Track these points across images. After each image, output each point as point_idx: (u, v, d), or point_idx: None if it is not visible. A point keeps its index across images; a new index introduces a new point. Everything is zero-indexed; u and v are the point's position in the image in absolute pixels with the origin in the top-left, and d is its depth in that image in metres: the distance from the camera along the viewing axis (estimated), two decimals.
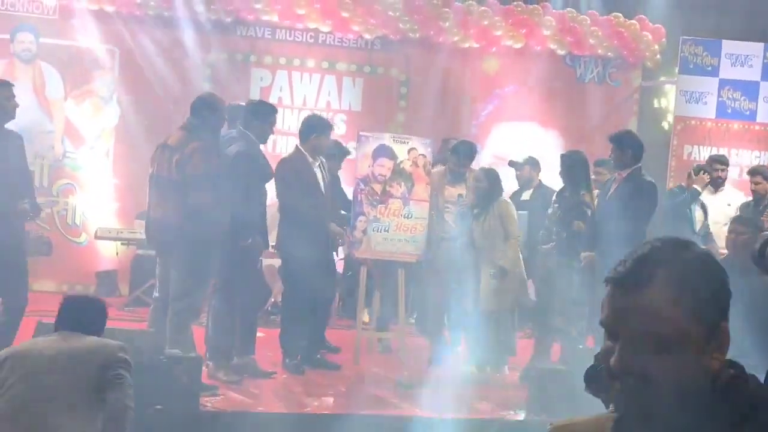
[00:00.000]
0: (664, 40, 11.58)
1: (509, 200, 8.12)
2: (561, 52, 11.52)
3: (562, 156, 7.98)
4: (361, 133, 8.36)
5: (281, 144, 10.59)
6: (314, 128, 7.74)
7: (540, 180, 9.17)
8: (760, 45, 10.99)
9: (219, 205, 6.72)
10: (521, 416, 6.78)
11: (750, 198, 8.76)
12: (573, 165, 7.66)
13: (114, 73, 10.57)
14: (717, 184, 8.97)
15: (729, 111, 10.96)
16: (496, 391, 7.45)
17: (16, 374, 4.26)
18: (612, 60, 11.69)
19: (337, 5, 10.77)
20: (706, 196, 8.85)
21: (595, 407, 2.14)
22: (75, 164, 10.53)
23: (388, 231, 7.98)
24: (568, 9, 11.49)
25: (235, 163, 6.99)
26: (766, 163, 10.38)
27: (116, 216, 10.52)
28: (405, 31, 11.03)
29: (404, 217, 7.99)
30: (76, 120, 10.53)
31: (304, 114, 9.13)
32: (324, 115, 9.45)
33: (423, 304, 8.73)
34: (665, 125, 11.76)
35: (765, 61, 10.92)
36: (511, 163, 9.30)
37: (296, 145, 7.89)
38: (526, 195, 9.08)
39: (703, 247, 1.97)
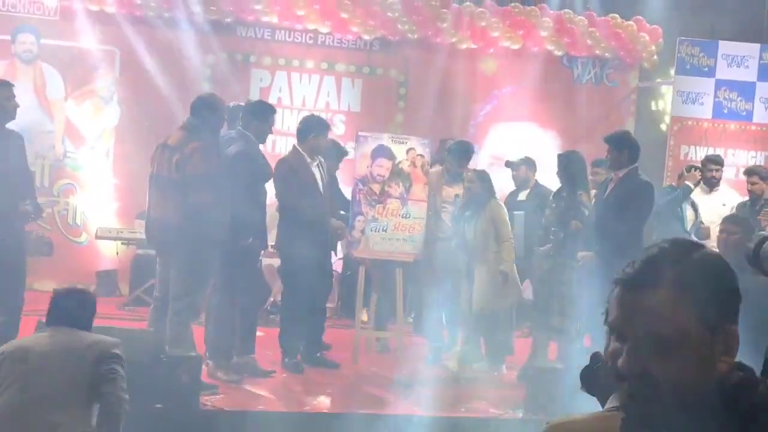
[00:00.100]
0: (661, 40, 11.63)
1: (501, 203, 8.11)
2: (558, 53, 11.57)
3: (559, 156, 8.01)
4: (359, 133, 8.39)
5: (281, 144, 10.63)
6: (312, 128, 7.77)
7: (536, 180, 9.21)
8: (756, 46, 11.04)
9: (219, 204, 6.73)
10: (519, 415, 6.80)
11: (746, 198, 8.80)
12: (570, 165, 7.68)
13: (114, 73, 10.61)
14: (711, 184, 9.00)
15: (725, 111, 11.00)
16: (493, 390, 7.48)
17: (14, 374, 4.31)
18: (609, 61, 11.74)
19: (336, 6, 10.81)
20: (700, 196, 8.90)
21: (591, 406, 2.18)
22: (75, 164, 10.57)
23: (386, 231, 8.02)
24: (566, 10, 11.53)
25: (235, 162, 7.01)
26: (762, 163, 10.42)
27: (116, 216, 10.55)
28: (404, 32, 11.08)
29: (402, 217, 8.03)
30: (76, 120, 10.57)
31: (304, 115, 9.16)
32: (323, 115, 9.50)
33: (421, 303, 8.76)
34: (662, 126, 11.80)
35: (761, 61, 10.96)
36: (508, 164, 9.35)
37: (294, 145, 7.91)
38: (522, 195, 9.11)
39: None
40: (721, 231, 6.06)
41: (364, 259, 8.19)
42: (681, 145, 11.02)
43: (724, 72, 10.93)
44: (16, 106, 6.95)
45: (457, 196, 8.14)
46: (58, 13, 10.39)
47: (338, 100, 11.22)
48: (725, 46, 10.97)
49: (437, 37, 11.16)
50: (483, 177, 7.91)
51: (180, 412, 6.01)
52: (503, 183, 9.65)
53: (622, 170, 7.25)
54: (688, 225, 8.61)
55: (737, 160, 10.90)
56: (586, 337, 7.54)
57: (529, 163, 9.26)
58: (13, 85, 7.07)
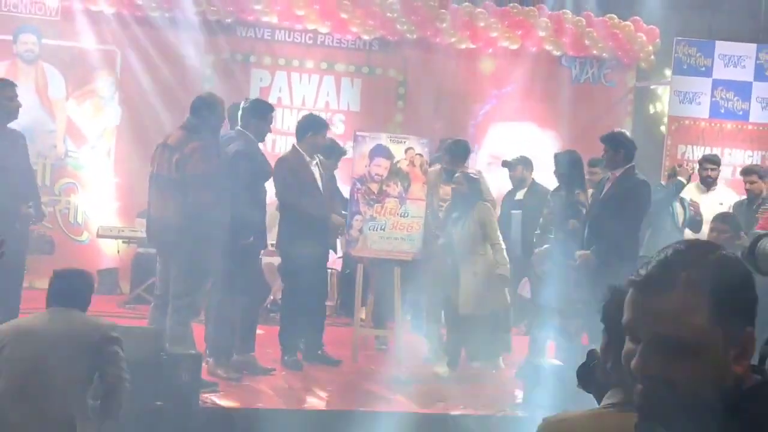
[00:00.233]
0: (658, 41, 11.68)
1: (490, 206, 8.03)
2: (556, 53, 11.62)
3: (557, 155, 8.05)
4: (357, 133, 8.39)
5: (280, 144, 10.67)
6: (310, 127, 7.81)
7: (533, 179, 9.25)
8: (753, 46, 11.07)
9: (219, 204, 6.76)
10: (517, 412, 6.84)
11: (744, 197, 8.82)
12: (567, 164, 7.72)
13: (115, 73, 10.66)
14: (708, 183, 9.04)
15: (722, 111, 11.03)
16: (492, 387, 7.53)
17: (16, 356, 4.41)
18: (607, 61, 11.79)
19: (335, 6, 10.85)
20: (697, 195, 8.94)
21: (588, 404, 2.23)
22: (77, 163, 10.62)
23: (384, 230, 8.05)
24: (564, 10, 11.58)
25: (235, 161, 7.03)
26: (759, 163, 10.47)
27: (117, 215, 10.60)
28: (403, 32, 11.12)
29: (401, 216, 8.05)
30: (77, 120, 10.62)
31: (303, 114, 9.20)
32: (323, 115, 9.54)
33: (418, 301, 8.79)
34: (659, 125, 11.85)
35: (758, 61, 10.99)
36: (504, 164, 9.38)
37: (293, 144, 7.96)
38: (519, 194, 9.15)
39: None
40: (711, 230, 6.08)
41: (363, 258, 8.23)
42: (678, 144, 11.06)
43: (720, 72, 10.96)
44: (19, 105, 7.00)
45: None
46: (60, 13, 10.44)
47: (338, 100, 11.27)
48: (722, 46, 11.00)
49: (436, 37, 11.21)
50: (471, 179, 7.86)
51: (180, 410, 6.04)
52: (502, 182, 9.71)
53: (619, 169, 7.26)
54: (680, 220, 8.62)
55: (734, 159, 10.93)
56: (584, 336, 7.58)
57: (526, 163, 9.29)
58: (16, 85, 7.13)
